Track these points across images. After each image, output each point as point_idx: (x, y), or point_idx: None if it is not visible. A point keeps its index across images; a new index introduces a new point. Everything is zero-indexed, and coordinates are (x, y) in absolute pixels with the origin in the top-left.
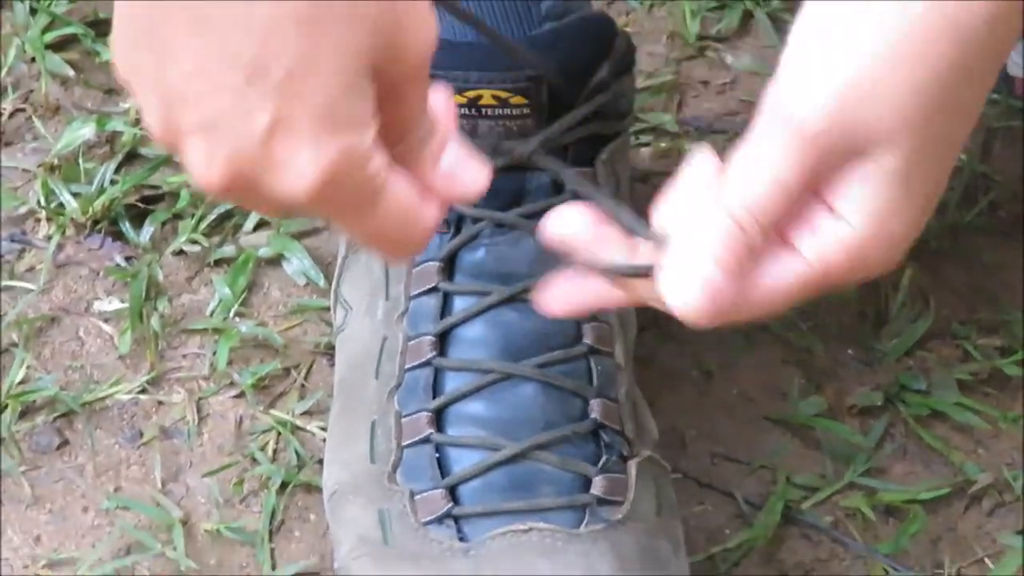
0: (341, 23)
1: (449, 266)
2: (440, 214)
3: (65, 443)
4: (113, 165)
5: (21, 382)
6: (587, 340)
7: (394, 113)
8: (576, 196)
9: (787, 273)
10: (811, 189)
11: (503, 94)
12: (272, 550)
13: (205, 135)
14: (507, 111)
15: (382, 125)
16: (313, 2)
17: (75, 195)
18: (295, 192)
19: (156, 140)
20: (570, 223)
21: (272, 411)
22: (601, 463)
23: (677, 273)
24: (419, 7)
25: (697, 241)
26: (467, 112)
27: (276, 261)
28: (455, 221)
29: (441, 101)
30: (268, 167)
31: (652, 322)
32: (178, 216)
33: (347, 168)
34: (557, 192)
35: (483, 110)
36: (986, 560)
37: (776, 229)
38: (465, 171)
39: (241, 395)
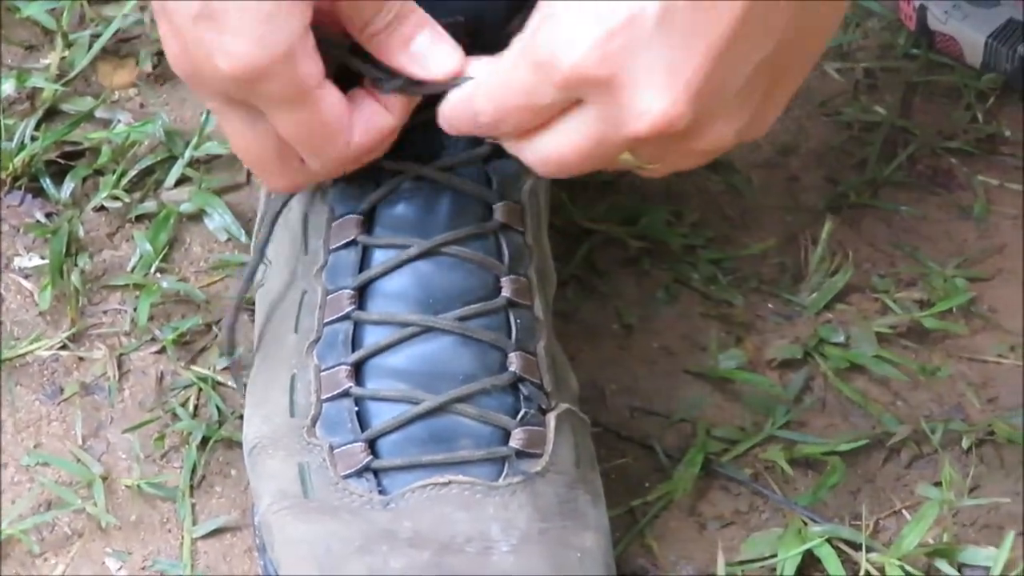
0: None
1: (368, 219)
2: (368, 141)
3: None
4: (33, 121)
5: None
6: (506, 293)
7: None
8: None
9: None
10: None
11: None
12: (193, 505)
13: (167, 19)
14: None
15: (345, 10)
16: None
17: None
18: (224, 73)
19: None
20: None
21: (193, 367)
22: (520, 416)
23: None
24: None
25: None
26: None
27: (197, 217)
28: (375, 175)
29: None
30: (205, 49)
31: (573, 277)
32: (99, 172)
33: (271, 60)
34: (476, 145)
35: None
36: (904, 511)
37: None
38: (435, 53)
39: (162, 351)
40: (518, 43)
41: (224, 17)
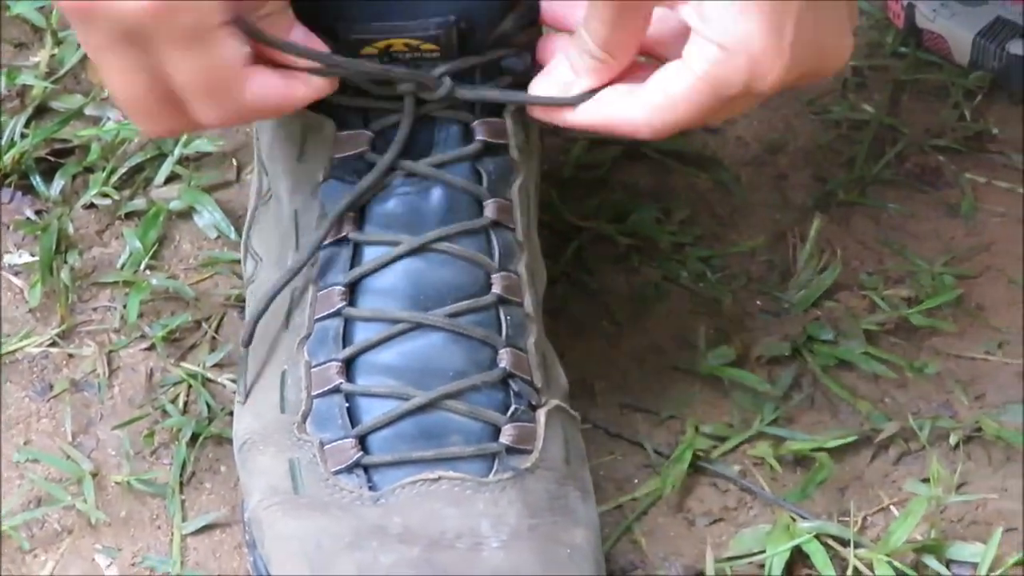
0: None
1: (359, 216)
2: (262, 100)
3: None
4: (23, 119)
5: None
6: (496, 290)
7: None
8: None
9: (680, 87)
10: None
11: (414, 42)
12: (183, 502)
13: None
14: (419, 57)
15: None
16: None
17: None
18: (131, 7)
19: None
20: None
21: (183, 363)
22: (510, 412)
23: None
24: None
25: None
26: (380, 61)
27: (187, 214)
28: (366, 171)
29: None
30: None
31: (563, 274)
32: (88, 170)
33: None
34: (467, 142)
35: (395, 57)
36: (892, 508)
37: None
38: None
39: (152, 348)
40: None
41: None
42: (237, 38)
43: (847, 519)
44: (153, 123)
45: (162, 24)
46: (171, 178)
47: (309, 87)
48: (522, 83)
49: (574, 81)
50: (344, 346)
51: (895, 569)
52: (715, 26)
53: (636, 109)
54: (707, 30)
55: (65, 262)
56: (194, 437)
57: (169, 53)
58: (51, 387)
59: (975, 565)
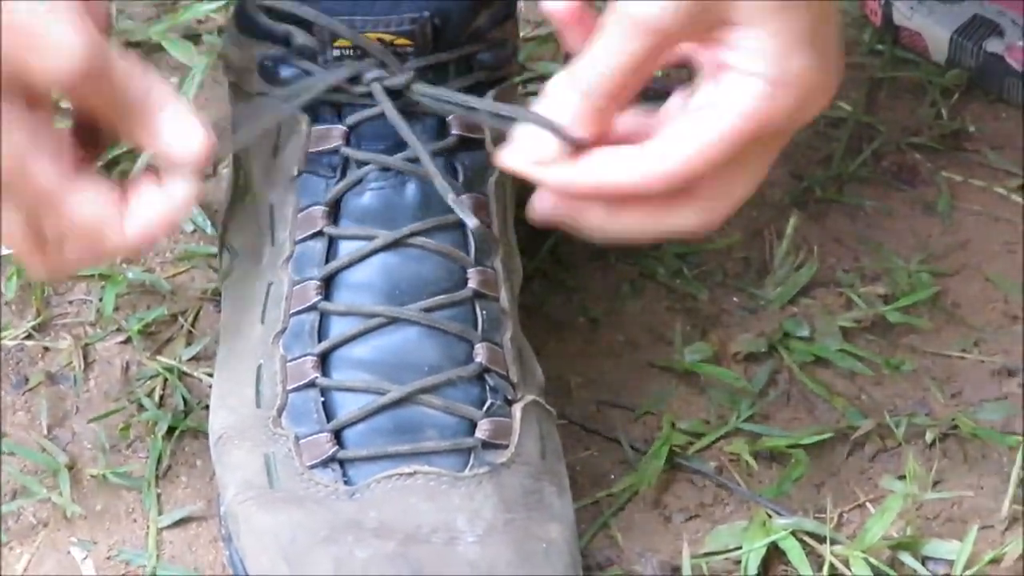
0: None
1: (334, 210)
2: (149, 231)
3: None
4: None
5: None
6: (472, 285)
7: (94, 111)
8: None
9: (711, 131)
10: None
11: (388, 37)
12: (158, 495)
13: None
14: (392, 52)
15: (96, 123)
16: None
17: None
18: None
19: None
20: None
21: (159, 357)
22: (486, 407)
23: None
24: (54, 31)
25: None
26: (352, 53)
27: None
28: (341, 165)
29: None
30: None
31: (539, 271)
32: None
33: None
34: (442, 136)
35: (368, 52)
36: (868, 504)
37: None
38: (184, 136)
39: (128, 341)
40: (720, 118)
41: None
42: (92, 184)
43: (823, 516)
44: (38, 270)
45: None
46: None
47: (178, 199)
48: (496, 79)
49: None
50: (319, 340)
51: (871, 566)
52: (763, 63)
53: (650, 162)
54: (754, 66)
55: None
56: (170, 431)
57: (24, 218)
58: (27, 380)
59: (951, 562)
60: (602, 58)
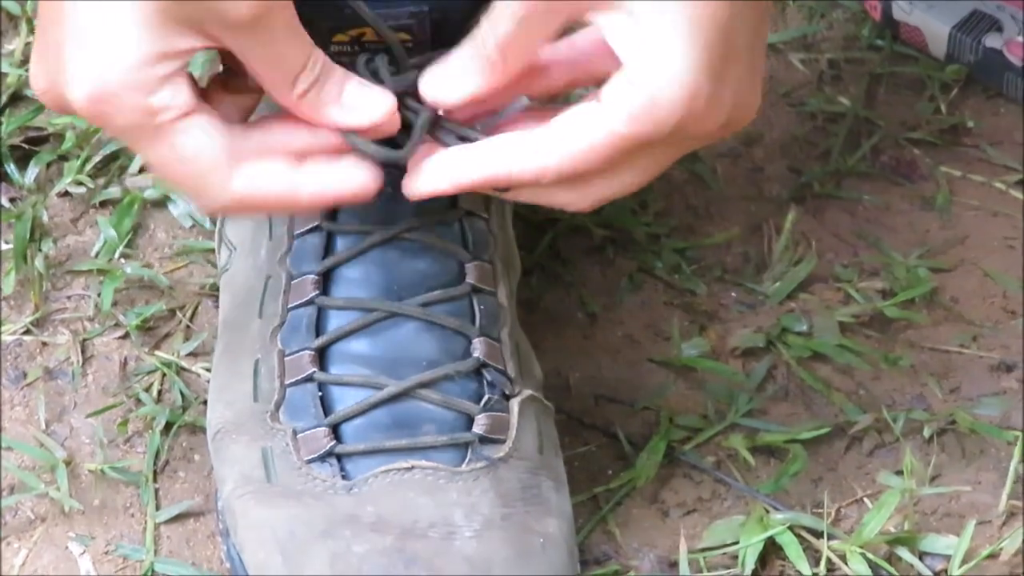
0: None
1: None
2: (254, 192)
3: None
4: None
5: None
6: (470, 280)
7: (263, 63)
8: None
9: (596, 127)
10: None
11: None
12: (156, 490)
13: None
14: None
15: (264, 73)
16: None
17: None
18: (70, 100)
19: None
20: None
21: (157, 352)
22: (484, 402)
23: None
24: None
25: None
26: (350, 49)
27: (162, 203)
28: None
29: None
30: (55, 76)
31: (537, 265)
32: (63, 158)
33: (113, 94)
34: None
35: (367, 47)
36: (865, 500)
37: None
38: (369, 99)
39: (126, 336)
40: (607, 102)
41: (83, 34)
42: (211, 127)
43: (821, 511)
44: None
45: (102, 122)
46: (146, 167)
47: (318, 183)
48: None
49: (458, 79)
50: (317, 335)
51: (868, 561)
52: (644, 64)
53: (542, 148)
54: (633, 67)
55: (39, 250)
56: (168, 426)
57: (131, 145)
58: (25, 375)
59: (948, 557)
60: (496, 10)
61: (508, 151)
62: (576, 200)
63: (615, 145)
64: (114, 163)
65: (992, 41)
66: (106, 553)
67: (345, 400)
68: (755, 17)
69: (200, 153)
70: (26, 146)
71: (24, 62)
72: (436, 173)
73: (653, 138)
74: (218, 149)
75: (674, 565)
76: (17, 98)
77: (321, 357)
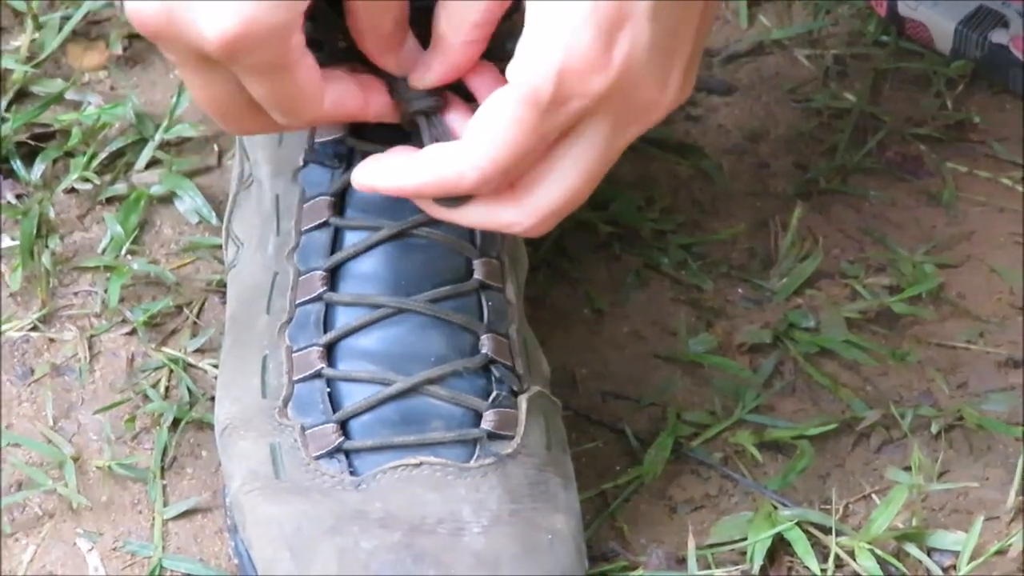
0: None
1: (340, 201)
2: (339, 112)
3: None
4: (4, 103)
5: None
6: (478, 276)
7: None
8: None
9: (502, 107)
10: None
11: None
12: (164, 486)
13: None
14: None
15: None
16: None
17: None
18: (210, 36)
19: None
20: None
21: (164, 348)
22: (492, 398)
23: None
24: None
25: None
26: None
27: (168, 199)
28: (346, 156)
29: None
30: (190, 12)
31: (544, 262)
32: (69, 154)
33: (267, 32)
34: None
35: None
36: (873, 496)
37: None
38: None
39: (133, 332)
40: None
41: None
42: (312, 60)
43: (828, 507)
44: (236, 127)
45: (237, 56)
46: (152, 163)
47: (370, 97)
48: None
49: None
50: (325, 331)
51: (876, 557)
52: (534, 27)
53: (461, 149)
54: (527, 34)
55: (46, 246)
56: (175, 422)
57: (246, 77)
58: (32, 371)
59: (956, 553)
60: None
61: (431, 157)
62: (521, 217)
63: (523, 120)
64: (120, 159)
65: (998, 37)
66: (114, 549)
67: (353, 396)
68: None
69: (310, 83)
70: (32, 142)
71: (29, 59)
72: (375, 172)
73: (554, 99)
74: (319, 77)
75: (682, 561)
76: (23, 95)
77: (329, 353)
